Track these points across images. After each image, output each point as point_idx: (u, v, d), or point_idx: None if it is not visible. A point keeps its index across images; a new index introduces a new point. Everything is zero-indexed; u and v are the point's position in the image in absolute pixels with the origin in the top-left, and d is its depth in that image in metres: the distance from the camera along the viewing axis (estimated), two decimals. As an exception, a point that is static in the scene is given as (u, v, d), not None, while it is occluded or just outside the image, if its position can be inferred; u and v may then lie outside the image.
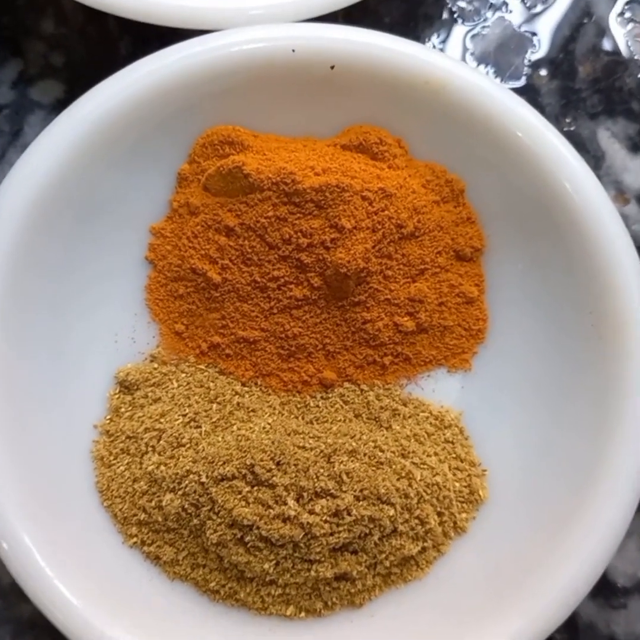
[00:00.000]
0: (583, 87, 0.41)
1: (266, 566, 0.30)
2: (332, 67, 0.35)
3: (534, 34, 0.42)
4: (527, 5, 0.42)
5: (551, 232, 0.34)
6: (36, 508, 0.30)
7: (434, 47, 0.41)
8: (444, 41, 0.41)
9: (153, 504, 0.31)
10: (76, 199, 0.34)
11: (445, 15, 0.42)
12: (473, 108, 0.34)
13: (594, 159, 0.40)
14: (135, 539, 0.32)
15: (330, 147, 0.36)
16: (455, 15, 0.42)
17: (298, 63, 0.35)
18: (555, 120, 0.40)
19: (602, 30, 0.42)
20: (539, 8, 0.42)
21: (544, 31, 0.42)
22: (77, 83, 0.40)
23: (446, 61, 0.35)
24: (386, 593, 0.32)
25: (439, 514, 0.32)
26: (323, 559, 0.30)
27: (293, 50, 0.34)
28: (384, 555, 0.31)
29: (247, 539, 0.30)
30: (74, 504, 0.32)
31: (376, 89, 0.35)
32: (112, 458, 0.33)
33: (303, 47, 0.34)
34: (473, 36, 0.42)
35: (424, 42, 0.41)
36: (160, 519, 0.31)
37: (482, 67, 0.41)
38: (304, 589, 0.31)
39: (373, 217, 0.34)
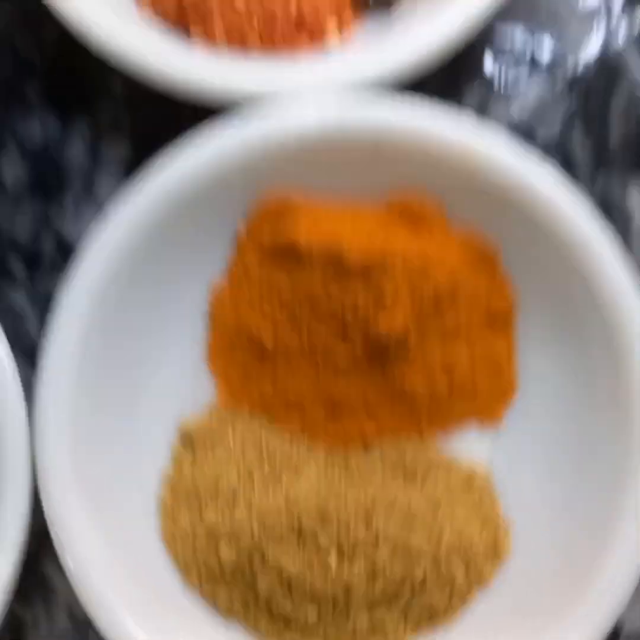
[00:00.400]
0: (617, 146, 0.43)
1: (310, 617, 0.34)
2: (378, 144, 0.37)
3: (571, 90, 0.43)
4: (562, 66, 0.44)
5: (580, 308, 0.36)
6: (112, 554, 0.34)
7: (474, 112, 0.43)
8: (483, 106, 0.43)
9: (211, 555, 0.35)
10: (144, 267, 0.37)
11: (485, 80, 0.44)
12: (510, 187, 0.37)
13: (624, 219, 0.42)
14: (195, 585, 0.36)
15: (375, 216, 0.39)
16: (494, 81, 0.44)
17: (346, 138, 0.37)
18: (589, 178, 0.43)
19: (636, 89, 0.43)
20: (572, 67, 0.44)
21: (579, 90, 0.44)
22: (143, 141, 0.43)
23: (487, 140, 0.37)
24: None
25: (466, 568, 0.36)
26: (360, 611, 0.34)
27: (341, 127, 0.37)
28: (415, 608, 0.35)
29: (294, 592, 0.34)
30: (144, 548, 0.36)
31: (420, 161, 0.38)
32: (174, 509, 0.37)
33: (351, 124, 0.37)
34: (508, 98, 0.44)
35: (462, 105, 0.43)
36: (217, 569, 0.35)
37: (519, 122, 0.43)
38: (343, 637, 0.35)
39: (414, 287, 0.37)
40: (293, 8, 0.39)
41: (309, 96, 0.37)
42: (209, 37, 0.39)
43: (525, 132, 0.43)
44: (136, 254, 0.37)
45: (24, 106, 0.43)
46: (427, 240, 0.38)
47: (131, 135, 0.43)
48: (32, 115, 0.43)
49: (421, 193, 0.39)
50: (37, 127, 0.43)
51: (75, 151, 0.43)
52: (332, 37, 0.40)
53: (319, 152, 0.38)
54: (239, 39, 0.39)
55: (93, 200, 0.43)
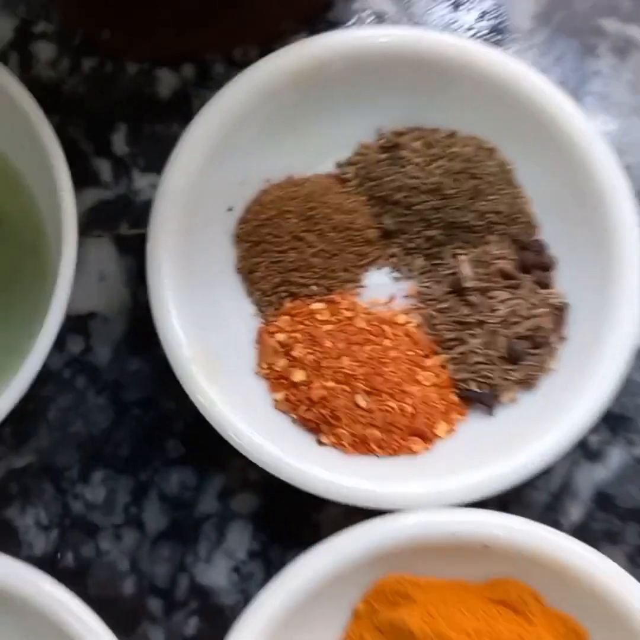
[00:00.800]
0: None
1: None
2: (486, 545, 0.43)
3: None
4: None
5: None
6: None
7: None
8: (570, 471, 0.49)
9: None
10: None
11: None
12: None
13: None
14: None
15: (479, 599, 0.44)
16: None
17: (459, 541, 0.43)
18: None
19: None
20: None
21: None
22: (270, 496, 0.49)
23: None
24: None
25: None
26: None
27: (453, 534, 0.43)
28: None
29: None
30: None
31: (519, 560, 0.44)
32: None
33: (462, 531, 0.43)
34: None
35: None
36: None
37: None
38: None
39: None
40: (408, 419, 0.45)
41: (428, 507, 0.44)
42: (337, 442, 0.46)
43: (608, 500, 0.49)
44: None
45: (165, 460, 0.50)
46: (526, 624, 0.44)
47: (259, 491, 0.49)
48: (171, 468, 0.49)
49: (520, 583, 0.44)
50: (175, 479, 0.49)
51: (209, 503, 0.49)
52: (441, 436, 0.46)
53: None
54: (363, 446, 0.45)
55: (224, 550, 0.49)
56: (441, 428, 0.46)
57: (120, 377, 0.49)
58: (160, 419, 0.49)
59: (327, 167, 0.49)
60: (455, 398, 0.47)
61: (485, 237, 0.48)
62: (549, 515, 0.48)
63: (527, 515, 0.46)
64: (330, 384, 0.45)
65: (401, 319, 0.48)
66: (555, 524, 0.48)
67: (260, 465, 0.44)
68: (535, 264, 0.47)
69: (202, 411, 0.44)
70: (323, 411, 0.45)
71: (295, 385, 0.46)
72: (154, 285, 0.45)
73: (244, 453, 0.44)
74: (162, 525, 0.49)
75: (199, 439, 0.49)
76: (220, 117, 0.45)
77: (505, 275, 0.47)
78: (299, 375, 0.46)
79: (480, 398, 0.46)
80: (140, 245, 0.46)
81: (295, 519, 0.48)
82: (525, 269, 0.47)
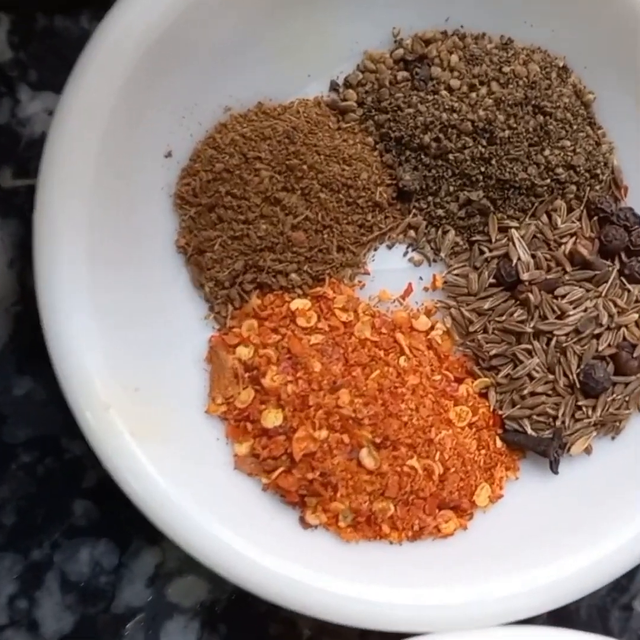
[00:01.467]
0: None
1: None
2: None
3: None
4: None
5: None
6: None
7: None
8: None
9: None
10: None
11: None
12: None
13: None
14: None
15: None
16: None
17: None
18: None
19: None
20: None
21: None
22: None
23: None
24: None
25: None
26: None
27: None
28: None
29: None
30: None
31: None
32: None
33: None
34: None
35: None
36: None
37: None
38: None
39: None
40: (436, 484, 0.35)
41: (465, 626, 0.33)
42: (330, 523, 0.35)
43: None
44: None
45: (70, 529, 0.39)
46: None
47: (208, 572, 0.36)
48: (79, 541, 0.39)
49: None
50: (85, 558, 0.39)
51: (135, 592, 0.39)
52: (482, 505, 0.36)
53: None
54: (368, 528, 0.35)
55: (159, 658, 0.38)
56: (482, 494, 0.36)
57: (2, 405, 0.39)
58: (62, 469, 0.39)
59: (317, 90, 0.38)
60: (501, 445, 0.36)
61: (550, 203, 0.38)
62: (619, 599, 0.40)
63: (587, 601, 0.38)
64: (322, 432, 0.34)
65: (422, 323, 0.37)
66: (626, 609, 0.40)
67: (209, 565, 0.33)
68: (623, 245, 0.37)
69: (123, 487, 0.33)
70: (310, 475, 0.34)
71: (267, 432, 0.35)
72: (44, 271, 0.33)
73: (185, 548, 0.33)
74: (66, 625, 0.39)
75: (120, 498, 0.36)
76: (155, 9, 0.33)
77: (580, 262, 0.37)
78: (273, 418, 0.35)
79: (538, 446, 0.37)
80: (31, 204, 0.35)
81: (261, 614, 0.38)
82: (608, 252, 0.37)
